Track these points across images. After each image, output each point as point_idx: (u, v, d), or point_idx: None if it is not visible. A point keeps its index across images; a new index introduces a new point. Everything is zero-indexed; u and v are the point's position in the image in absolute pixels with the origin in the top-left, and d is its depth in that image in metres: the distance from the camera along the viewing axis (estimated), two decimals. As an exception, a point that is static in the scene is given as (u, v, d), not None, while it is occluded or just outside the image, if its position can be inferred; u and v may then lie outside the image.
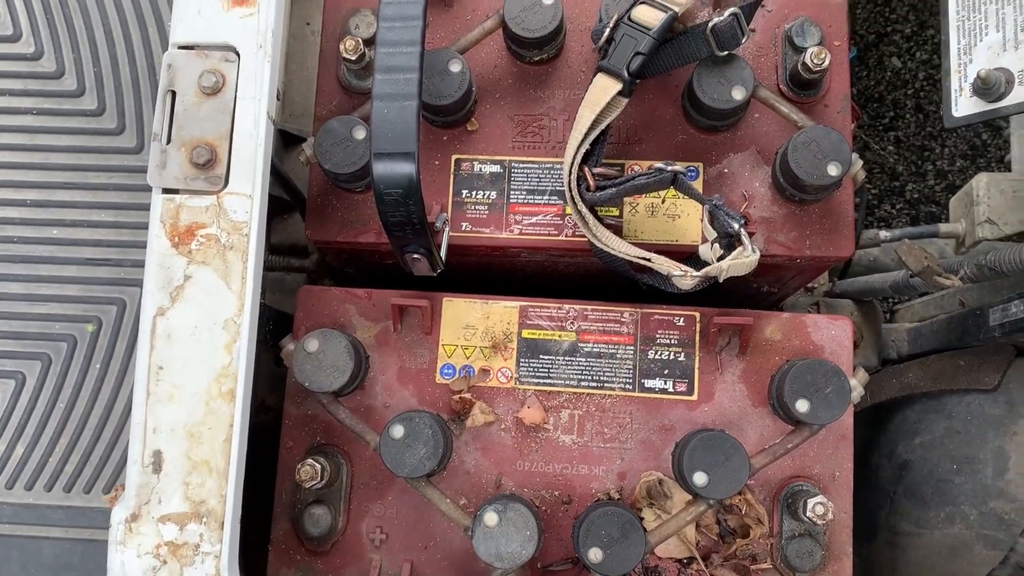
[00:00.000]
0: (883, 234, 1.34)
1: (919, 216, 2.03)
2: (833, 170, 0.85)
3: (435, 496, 0.84)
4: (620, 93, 0.83)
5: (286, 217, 1.23)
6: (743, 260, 0.82)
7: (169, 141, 0.81)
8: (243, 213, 0.80)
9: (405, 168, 0.74)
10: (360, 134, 0.88)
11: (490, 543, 0.80)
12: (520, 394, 0.91)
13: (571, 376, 0.91)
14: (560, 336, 0.92)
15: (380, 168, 0.74)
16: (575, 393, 0.91)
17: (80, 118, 1.11)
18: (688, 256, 0.88)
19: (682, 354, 0.91)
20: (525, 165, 0.94)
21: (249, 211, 0.81)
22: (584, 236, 0.86)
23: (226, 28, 0.83)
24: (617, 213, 0.92)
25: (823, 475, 0.89)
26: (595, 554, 0.80)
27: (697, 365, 0.91)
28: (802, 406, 0.83)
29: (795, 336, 0.91)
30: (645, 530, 0.82)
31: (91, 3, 1.14)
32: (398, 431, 0.83)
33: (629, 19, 0.84)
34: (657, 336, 0.92)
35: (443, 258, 0.85)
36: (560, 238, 0.93)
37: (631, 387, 0.91)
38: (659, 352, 0.91)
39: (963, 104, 0.90)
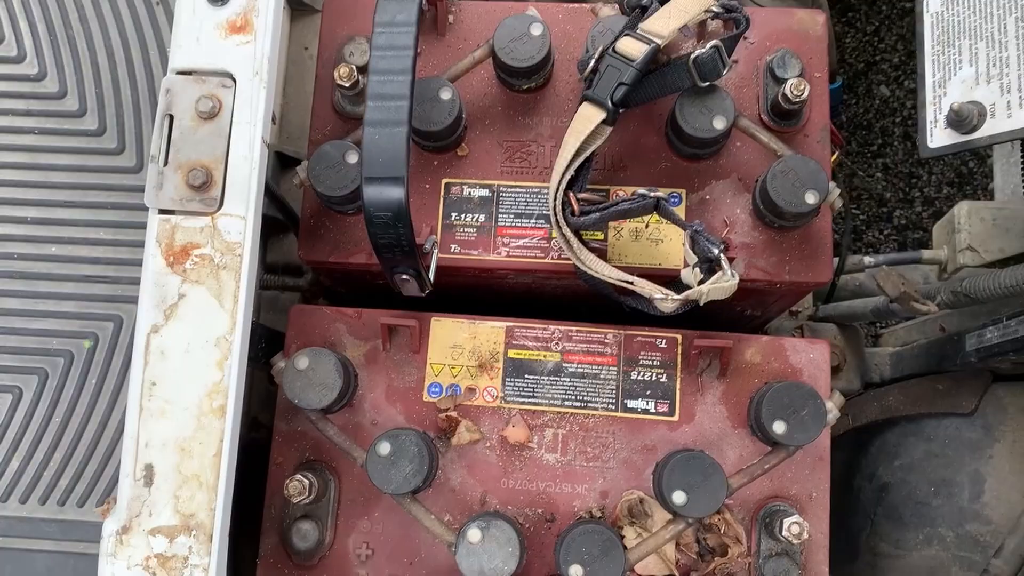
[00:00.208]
0: (867, 260, 1.37)
1: (906, 242, 2.06)
2: (810, 198, 0.88)
3: (420, 512, 0.86)
4: (604, 121, 0.86)
5: (281, 237, 1.25)
6: (723, 284, 0.84)
7: (166, 163, 0.84)
8: (237, 234, 0.83)
9: (395, 192, 0.76)
10: (353, 158, 0.90)
11: (473, 559, 0.82)
12: (505, 413, 0.93)
13: (555, 396, 0.93)
14: (545, 356, 0.94)
15: (370, 192, 0.77)
16: (559, 412, 0.93)
17: (81, 138, 1.13)
18: (671, 280, 0.90)
19: (664, 375, 0.94)
20: (513, 190, 0.96)
21: (242, 232, 0.83)
22: (569, 259, 0.89)
23: (223, 55, 0.85)
24: (602, 237, 0.95)
25: (800, 496, 0.91)
26: (576, 571, 0.81)
27: (678, 386, 0.93)
28: (779, 428, 0.85)
29: (774, 359, 0.94)
30: (625, 548, 0.84)
31: (94, 26, 1.16)
32: (384, 448, 0.85)
33: (614, 51, 0.87)
34: (640, 357, 0.94)
35: (431, 279, 0.88)
36: (546, 261, 0.95)
37: (614, 407, 0.93)
38: (642, 373, 0.94)
39: (938, 135, 0.92)
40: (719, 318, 1.11)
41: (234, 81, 0.85)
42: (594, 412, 0.93)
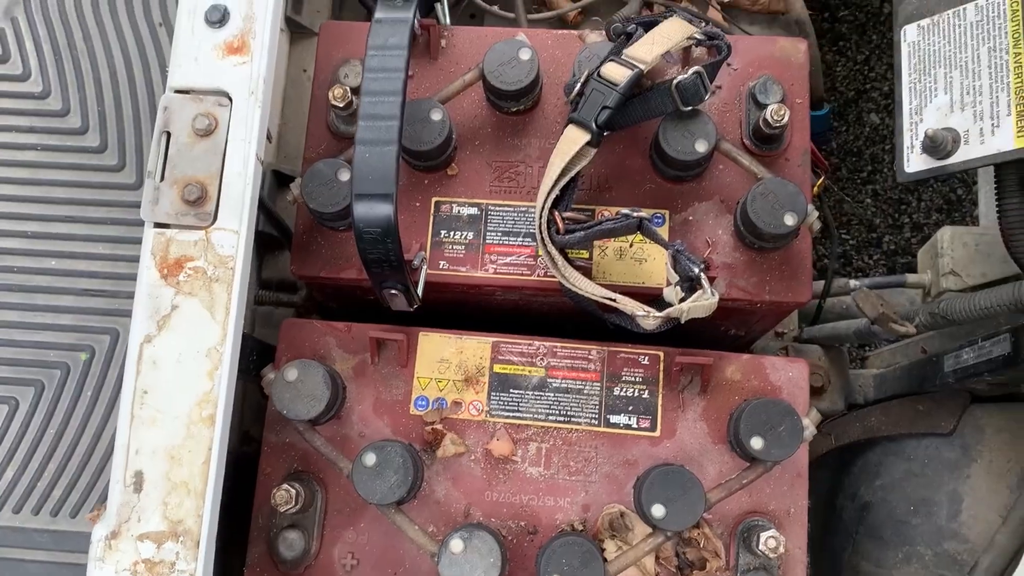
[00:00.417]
0: (852, 283, 1.39)
1: (895, 267, 2.08)
2: (789, 220, 0.90)
3: (404, 523, 0.88)
4: (589, 143, 0.88)
5: (277, 254, 1.27)
6: (703, 303, 0.86)
7: (163, 178, 0.86)
8: (229, 248, 0.85)
9: (383, 208, 0.79)
10: (344, 176, 0.93)
11: (455, 569, 0.84)
12: (490, 427, 0.95)
13: (540, 410, 0.95)
14: (530, 371, 0.96)
15: (360, 208, 0.79)
16: (543, 427, 0.95)
17: (82, 154, 1.16)
18: (654, 298, 0.93)
19: (646, 391, 0.95)
20: (501, 208, 0.99)
21: (235, 246, 0.85)
22: (555, 276, 0.91)
23: (220, 75, 0.88)
24: (587, 255, 0.97)
25: (779, 511, 0.92)
26: (555, 582, 0.83)
27: (660, 402, 0.95)
28: (756, 443, 0.87)
29: (754, 377, 0.96)
30: (605, 560, 0.85)
31: (98, 46, 1.20)
32: (370, 459, 0.87)
33: (599, 75, 0.90)
34: (623, 374, 0.96)
35: (420, 294, 0.90)
36: (532, 278, 0.97)
37: (597, 422, 0.95)
38: (624, 389, 0.96)
39: (914, 161, 0.95)
40: (703, 337, 1.12)
41: (230, 100, 0.88)
42: (577, 427, 0.95)
